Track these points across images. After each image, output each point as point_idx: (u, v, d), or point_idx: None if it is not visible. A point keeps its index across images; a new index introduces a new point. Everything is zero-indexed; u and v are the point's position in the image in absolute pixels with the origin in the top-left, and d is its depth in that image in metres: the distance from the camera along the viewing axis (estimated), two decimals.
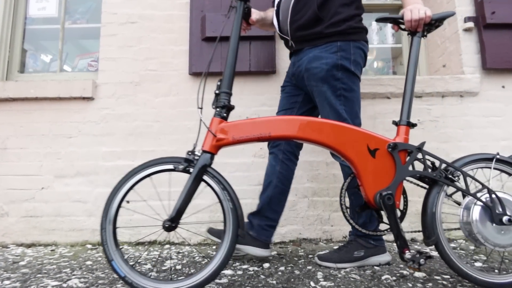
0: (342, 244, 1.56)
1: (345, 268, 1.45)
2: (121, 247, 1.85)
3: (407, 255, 1.16)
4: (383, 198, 1.19)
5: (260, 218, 1.57)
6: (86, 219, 1.99)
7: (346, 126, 1.22)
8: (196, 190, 1.17)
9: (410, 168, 1.24)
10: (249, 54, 2.08)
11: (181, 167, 1.18)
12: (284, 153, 1.59)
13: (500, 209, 1.17)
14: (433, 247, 1.38)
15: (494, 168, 1.25)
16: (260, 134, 1.20)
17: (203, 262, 1.57)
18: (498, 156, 1.25)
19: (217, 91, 1.24)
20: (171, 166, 1.19)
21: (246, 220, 1.60)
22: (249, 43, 2.09)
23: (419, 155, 1.25)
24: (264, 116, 1.24)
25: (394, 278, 1.32)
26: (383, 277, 1.32)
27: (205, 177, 1.19)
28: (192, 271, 1.43)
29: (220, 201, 1.17)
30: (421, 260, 1.12)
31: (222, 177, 1.19)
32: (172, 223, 1.13)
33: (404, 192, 1.28)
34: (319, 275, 1.36)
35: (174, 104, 2.10)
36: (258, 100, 2.11)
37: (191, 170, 1.17)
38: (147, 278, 1.13)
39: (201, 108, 1.22)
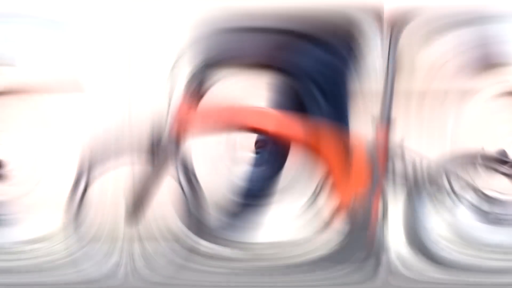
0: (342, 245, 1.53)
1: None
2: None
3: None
4: (357, 200, 1.13)
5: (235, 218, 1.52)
6: None
7: (319, 122, 1.17)
8: (161, 182, 1.12)
9: (390, 166, 1.18)
10: (257, 46, 1.99)
11: (142, 157, 1.14)
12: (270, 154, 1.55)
13: (488, 208, 1.12)
14: None
15: (480, 165, 1.20)
16: (229, 123, 1.15)
17: None
18: (482, 152, 1.20)
19: (188, 77, 1.19)
20: None
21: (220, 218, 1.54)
22: (259, 35, 1.99)
23: (399, 152, 1.19)
24: (236, 105, 1.19)
25: None
26: None
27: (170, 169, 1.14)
28: None
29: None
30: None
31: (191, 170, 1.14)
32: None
33: (383, 194, 1.23)
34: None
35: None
36: (264, 95, 2.06)
37: (154, 161, 1.13)
38: None
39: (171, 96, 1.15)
